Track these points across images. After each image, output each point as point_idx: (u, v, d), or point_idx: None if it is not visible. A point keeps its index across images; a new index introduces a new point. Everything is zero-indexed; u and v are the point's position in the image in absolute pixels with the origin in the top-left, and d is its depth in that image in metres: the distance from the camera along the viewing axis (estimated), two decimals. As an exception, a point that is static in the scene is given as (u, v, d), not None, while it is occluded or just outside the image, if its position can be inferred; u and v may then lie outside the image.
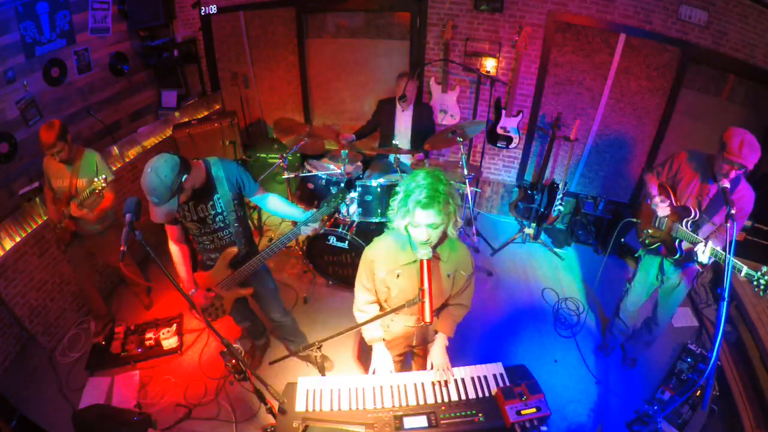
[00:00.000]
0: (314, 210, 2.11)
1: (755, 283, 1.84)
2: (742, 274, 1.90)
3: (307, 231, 2.12)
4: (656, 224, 2.48)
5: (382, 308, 1.98)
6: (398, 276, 1.78)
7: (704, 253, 2.06)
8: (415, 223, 1.60)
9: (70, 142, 2.70)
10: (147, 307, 3.56)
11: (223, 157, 2.24)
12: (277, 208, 2.31)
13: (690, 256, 2.38)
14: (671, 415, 2.61)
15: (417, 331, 2.03)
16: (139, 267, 3.62)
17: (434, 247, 1.70)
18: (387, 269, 1.79)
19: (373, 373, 1.91)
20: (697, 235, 2.25)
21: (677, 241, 2.36)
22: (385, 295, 1.87)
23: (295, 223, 2.21)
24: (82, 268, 3.12)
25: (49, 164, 2.79)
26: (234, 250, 2.25)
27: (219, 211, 2.16)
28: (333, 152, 4.15)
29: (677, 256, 2.39)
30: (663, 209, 2.39)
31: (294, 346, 2.83)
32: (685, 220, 2.30)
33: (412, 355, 2.37)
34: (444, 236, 1.72)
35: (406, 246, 1.75)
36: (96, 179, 2.63)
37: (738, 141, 2.02)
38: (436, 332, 2.00)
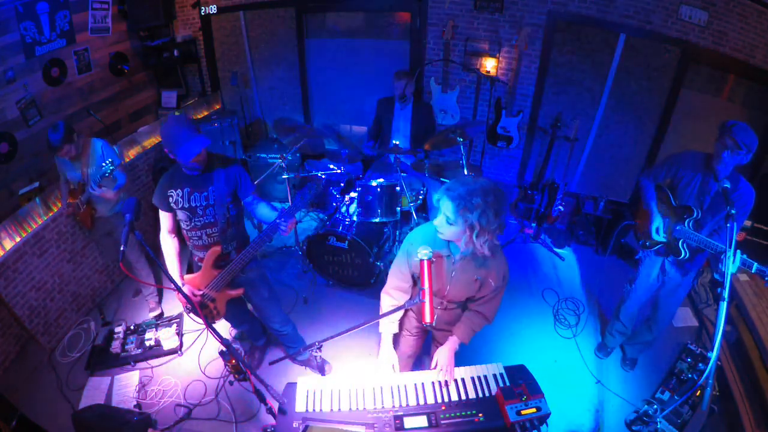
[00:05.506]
0: (288, 204, 2.12)
1: None
2: (753, 269, 1.93)
3: (283, 228, 2.02)
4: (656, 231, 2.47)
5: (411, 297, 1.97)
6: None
7: (734, 263, 1.89)
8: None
9: (77, 140, 2.78)
10: (152, 310, 3.51)
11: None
12: (263, 216, 2.26)
13: (693, 255, 2.38)
14: (671, 415, 2.61)
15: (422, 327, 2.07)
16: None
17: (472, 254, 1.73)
18: None
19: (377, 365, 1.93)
20: (699, 234, 2.25)
21: (680, 242, 2.36)
22: (417, 279, 1.91)
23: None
24: (108, 247, 3.24)
25: (60, 160, 2.89)
26: (217, 249, 2.24)
27: (211, 203, 2.16)
28: (333, 152, 4.14)
29: (682, 256, 2.38)
30: (660, 236, 2.41)
31: (293, 352, 2.82)
32: (687, 220, 2.30)
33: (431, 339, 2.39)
34: (468, 242, 1.67)
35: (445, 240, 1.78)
36: (104, 164, 2.66)
37: (731, 122, 2.09)
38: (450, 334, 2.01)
